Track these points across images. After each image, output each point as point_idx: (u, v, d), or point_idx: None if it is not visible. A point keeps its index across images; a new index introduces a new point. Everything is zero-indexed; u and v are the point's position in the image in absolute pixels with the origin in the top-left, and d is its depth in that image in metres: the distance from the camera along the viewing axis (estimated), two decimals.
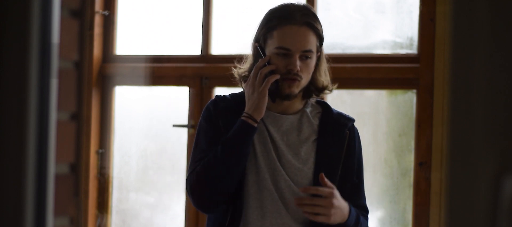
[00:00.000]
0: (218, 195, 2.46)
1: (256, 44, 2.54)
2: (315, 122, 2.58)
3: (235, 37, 4.36)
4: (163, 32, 4.51)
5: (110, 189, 4.52)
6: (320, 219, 2.44)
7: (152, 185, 4.52)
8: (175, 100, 4.46)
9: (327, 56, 2.65)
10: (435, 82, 3.84)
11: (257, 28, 2.56)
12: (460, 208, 1.02)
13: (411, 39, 4.01)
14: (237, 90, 2.66)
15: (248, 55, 2.60)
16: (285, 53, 2.48)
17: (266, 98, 2.47)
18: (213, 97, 2.60)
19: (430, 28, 3.88)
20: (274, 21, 2.50)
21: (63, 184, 1.36)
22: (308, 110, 2.58)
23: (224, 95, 2.59)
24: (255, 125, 2.46)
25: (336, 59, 4.14)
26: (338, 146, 2.55)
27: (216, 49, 4.38)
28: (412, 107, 3.99)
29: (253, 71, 2.49)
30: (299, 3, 2.55)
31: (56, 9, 1.22)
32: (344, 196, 2.52)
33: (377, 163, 4.03)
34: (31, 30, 1.20)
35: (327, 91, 2.61)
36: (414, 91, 3.97)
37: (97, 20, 4.48)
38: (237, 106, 2.53)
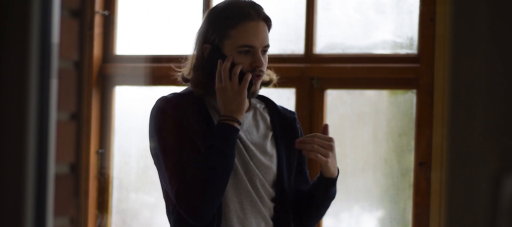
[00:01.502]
0: (215, 203, 2.40)
1: (208, 45, 2.48)
2: (267, 117, 2.59)
3: None
4: (163, 32, 4.51)
5: (110, 189, 4.52)
6: (319, 158, 2.46)
7: (152, 185, 4.52)
8: None
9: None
10: (435, 82, 3.84)
11: (205, 29, 2.50)
12: (460, 208, 1.02)
13: (411, 39, 4.01)
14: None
15: (189, 56, 2.56)
16: (248, 50, 2.45)
17: (246, 98, 2.44)
18: (157, 100, 2.49)
19: (430, 28, 3.88)
20: (230, 19, 2.45)
21: (63, 184, 1.36)
22: (258, 105, 2.58)
23: (169, 95, 2.50)
24: (239, 126, 2.43)
25: (336, 59, 4.15)
26: (291, 140, 2.56)
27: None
28: (412, 107, 3.99)
29: (222, 73, 2.42)
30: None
31: (56, 9, 1.22)
32: (300, 186, 2.58)
33: (377, 163, 4.03)
34: (31, 30, 1.20)
35: (272, 84, 2.59)
36: (414, 91, 3.97)
37: (97, 20, 4.48)
38: (190, 103, 2.46)
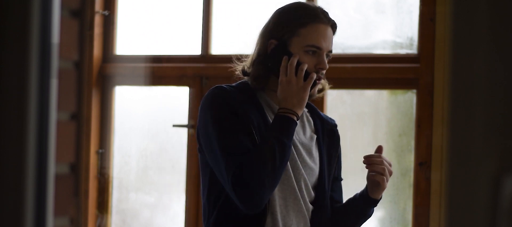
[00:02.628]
0: (271, 191, 2.40)
1: (274, 41, 2.50)
2: (311, 121, 2.62)
3: (235, 37, 4.36)
4: (163, 32, 4.51)
5: (110, 189, 4.52)
6: (382, 180, 2.50)
7: (152, 185, 4.52)
8: (175, 100, 4.47)
9: None
10: (435, 82, 3.84)
11: (272, 25, 2.52)
12: (460, 208, 1.02)
13: (411, 39, 4.01)
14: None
15: (251, 54, 2.58)
16: (314, 51, 2.48)
17: (308, 95, 2.48)
18: (213, 87, 2.50)
19: (430, 28, 3.88)
20: (302, 18, 2.48)
21: (63, 184, 1.36)
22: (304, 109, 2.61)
23: (225, 85, 2.52)
24: (297, 121, 2.46)
25: (336, 59, 4.15)
26: (333, 146, 2.61)
27: (216, 49, 4.38)
28: (412, 107, 3.99)
29: (288, 68, 2.46)
30: (312, 3, 2.57)
31: (56, 9, 1.22)
32: (336, 193, 2.62)
33: None
34: (31, 30, 1.20)
35: (323, 92, 2.63)
36: (414, 91, 3.97)
37: (97, 20, 4.48)
38: (244, 96, 2.49)
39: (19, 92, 1.20)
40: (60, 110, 1.32)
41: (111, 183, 4.53)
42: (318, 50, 2.48)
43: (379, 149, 2.56)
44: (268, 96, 2.54)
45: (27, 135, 1.20)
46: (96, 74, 4.47)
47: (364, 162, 2.53)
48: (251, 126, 2.42)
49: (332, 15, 2.57)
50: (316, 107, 2.70)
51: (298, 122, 2.51)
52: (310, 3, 2.56)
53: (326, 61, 2.50)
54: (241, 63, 2.60)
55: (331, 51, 2.52)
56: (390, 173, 2.53)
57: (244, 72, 2.57)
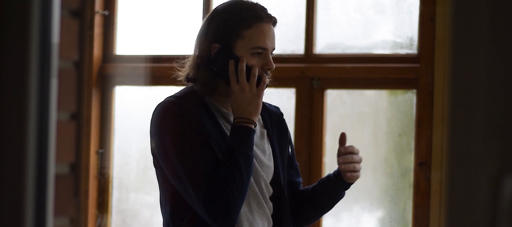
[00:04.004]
0: (241, 205, 2.38)
1: (217, 45, 2.43)
2: (259, 116, 2.56)
3: None
4: (163, 32, 4.51)
5: (110, 189, 4.52)
6: (356, 175, 2.51)
7: (152, 185, 4.52)
8: None
9: None
10: (435, 82, 3.84)
11: (213, 28, 2.45)
12: (460, 208, 1.02)
13: (411, 39, 4.01)
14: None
15: (190, 56, 2.51)
16: (260, 52, 2.43)
17: (262, 100, 2.43)
18: (164, 102, 2.42)
19: (430, 28, 3.88)
20: (245, 20, 2.42)
21: (63, 184, 1.36)
22: None
23: (172, 98, 2.44)
24: (255, 129, 2.42)
25: (336, 59, 4.15)
26: (282, 136, 2.58)
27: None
28: (412, 107, 3.99)
29: (239, 75, 2.39)
30: (249, 1, 2.50)
31: (56, 9, 1.22)
32: (294, 178, 2.62)
33: (377, 163, 4.03)
34: (31, 30, 1.20)
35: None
36: (414, 91, 3.97)
37: (97, 20, 4.48)
38: (194, 106, 2.41)
39: (19, 92, 1.20)
40: (60, 110, 1.32)
41: (111, 183, 4.53)
42: (264, 51, 2.43)
43: (342, 137, 2.55)
44: (217, 102, 2.48)
45: (27, 135, 1.20)
46: (96, 74, 4.47)
47: (338, 163, 2.53)
48: (208, 138, 2.37)
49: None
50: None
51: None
52: (250, 1, 2.48)
53: (272, 60, 2.45)
54: (181, 67, 2.52)
55: (274, 48, 2.48)
56: (360, 160, 2.53)
57: (188, 79, 2.49)
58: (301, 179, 2.68)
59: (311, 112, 4.08)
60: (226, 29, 2.43)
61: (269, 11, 2.48)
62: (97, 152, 4.49)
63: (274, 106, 2.66)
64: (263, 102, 2.54)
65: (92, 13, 4.43)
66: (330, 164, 4.08)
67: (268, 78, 2.46)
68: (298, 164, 2.71)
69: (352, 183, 2.57)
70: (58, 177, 1.30)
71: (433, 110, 3.85)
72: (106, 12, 4.50)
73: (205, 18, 2.52)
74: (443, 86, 3.81)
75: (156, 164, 2.46)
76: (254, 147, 2.46)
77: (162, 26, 4.51)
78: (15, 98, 1.20)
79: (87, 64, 4.42)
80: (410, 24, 4.01)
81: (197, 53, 2.48)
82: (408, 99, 4.03)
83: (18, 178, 1.20)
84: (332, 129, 4.12)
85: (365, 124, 4.09)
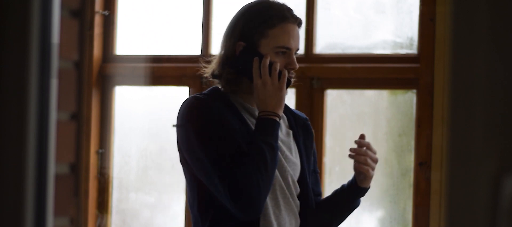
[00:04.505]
0: (267, 195, 2.42)
1: (242, 43, 2.48)
2: (284, 117, 2.62)
3: None
4: (163, 32, 4.51)
5: (110, 189, 4.52)
6: (366, 170, 2.52)
7: (152, 185, 4.52)
8: (175, 100, 4.46)
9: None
10: (435, 82, 3.84)
11: (239, 27, 2.50)
12: (460, 208, 1.02)
13: (411, 39, 4.01)
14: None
15: (216, 55, 2.56)
16: (284, 52, 2.48)
17: (285, 94, 2.48)
18: (189, 98, 2.49)
19: (430, 28, 3.88)
20: (271, 20, 2.47)
21: (63, 184, 1.36)
22: None
23: (199, 95, 2.50)
24: (279, 121, 2.47)
25: (336, 59, 4.15)
26: (308, 139, 2.63)
27: (216, 49, 4.38)
28: (412, 107, 3.99)
29: (262, 69, 2.45)
30: (277, 1, 2.54)
31: (56, 9, 1.22)
32: (315, 185, 2.64)
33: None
34: (31, 30, 1.20)
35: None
36: (414, 91, 3.97)
37: (97, 20, 4.48)
38: (219, 103, 2.47)
39: (19, 92, 1.20)
40: (60, 110, 1.32)
41: (111, 183, 4.53)
42: (287, 51, 2.49)
43: (362, 137, 2.58)
44: (241, 99, 2.53)
45: (27, 135, 1.20)
46: (96, 74, 4.47)
47: (349, 155, 2.55)
48: (234, 133, 2.42)
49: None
50: (286, 103, 2.67)
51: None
52: (275, 2, 2.53)
53: (296, 60, 2.50)
54: (207, 65, 2.58)
55: (298, 49, 2.53)
56: (376, 161, 2.55)
57: (214, 75, 2.55)
58: (320, 190, 2.71)
59: (311, 112, 4.08)
60: (251, 28, 2.48)
61: (294, 13, 2.53)
62: (97, 152, 4.49)
63: (301, 112, 2.72)
64: (288, 107, 2.64)
65: (92, 13, 4.43)
66: (330, 164, 4.08)
67: (292, 78, 2.52)
68: (319, 171, 2.74)
69: (366, 189, 2.59)
70: (58, 177, 1.30)
71: (433, 110, 3.85)
72: (106, 12, 4.50)
73: (232, 17, 2.57)
74: (443, 86, 3.81)
75: (182, 160, 2.51)
76: (280, 143, 2.51)
77: (162, 26, 4.51)
78: (15, 98, 1.20)
79: (87, 64, 4.42)
80: (410, 24, 4.01)
81: (223, 51, 2.54)
82: (408, 99, 4.03)
83: (18, 178, 1.20)
84: (332, 129, 4.12)
85: (365, 124, 4.09)
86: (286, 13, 2.49)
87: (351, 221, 4.02)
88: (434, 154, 3.84)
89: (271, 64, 2.46)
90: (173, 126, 4.41)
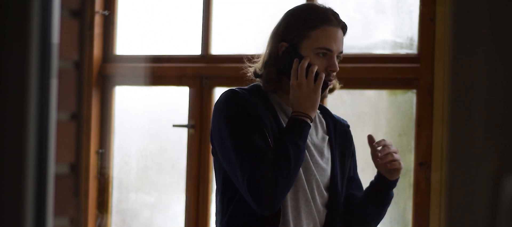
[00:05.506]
0: (285, 193, 2.43)
1: (285, 43, 2.52)
2: (323, 122, 2.65)
3: (235, 37, 4.36)
4: (163, 32, 4.51)
5: (110, 189, 4.52)
6: (396, 165, 2.56)
7: (152, 185, 4.52)
8: (175, 100, 4.46)
9: None
10: (435, 82, 3.84)
11: (283, 27, 2.54)
12: (460, 208, 1.02)
13: (411, 39, 4.01)
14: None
15: (262, 54, 2.59)
16: (325, 53, 2.51)
17: (319, 96, 2.50)
18: (227, 91, 2.53)
19: (430, 28, 3.88)
20: (313, 21, 2.50)
21: (63, 184, 1.36)
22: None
23: (238, 89, 2.54)
24: (311, 123, 2.48)
25: None
26: (346, 146, 2.65)
27: (216, 49, 4.38)
28: (412, 107, 3.99)
29: (299, 71, 2.48)
30: (323, 4, 2.57)
31: (56, 9, 1.22)
32: (354, 192, 2.66)
33: None
34: (31, 30, 1.20)
35: (333, 91, 2.66)
36: (414, 91, 3.97)
37: (97, 20, 4.48)
38: (257, 99, 2.51)
39: (19, 92, 1.20)
40: (60, 110, 1.32)
41: (111, 183, 4.53)
42: (328, 52, 2.51)
43: (371, 138, 2.61)
44: (280, 98, 2.57)
45: (27, 135, 1.20)
46: (96, 74, 4.47)
47: (377, 157, 2.58)
48: (264, 128, 2.45)
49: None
50: (328, 109, 2.72)
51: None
52: (321, 5, 2.57)
53: (337, 63, 2.53)
54: (252, 65, 2.61)
55: (341, 52, 2.55)
56: (397, 151, 2.59)
57: (256, 74, 2.59)
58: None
59: None
60: (294, 28, 2.52)
61: (339, 16, 2.55)
62: (97, 152, 4.49)
63: (343, 119, 2.74)
64: (329, 111, 2.68)
65: (92, 13, 4.43)
66: None
67: (331, 79, 2.54)
68: (359, 178, 2.75)
69: (396, 180, 2.61)
70: (58, 177, 1.30)
71: (433, 110, 3.84)
72: (106, 12, 4.50)
73: (279, 19, 2.60)
74: (443, 86, 3.81)
75: (213, 151, 2.55)
76: (312, 147, 2.53)
77: (162, 26, 4.51)
78: (15, 98, 1.20)
79: (87, 64, 4.42)
80: (410, 24, 4.01)
81: (267, 51, 2.57)
82: (408, 99, 4.03)
83: (18, 178, 1.20)
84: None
85: (365, 124, 4.09)
86: (329, 16, 2.51)
87: None
88: (434, 154, 3.84)
89: (309, 66, 2.48)
90: (174, 126, 4.41)
